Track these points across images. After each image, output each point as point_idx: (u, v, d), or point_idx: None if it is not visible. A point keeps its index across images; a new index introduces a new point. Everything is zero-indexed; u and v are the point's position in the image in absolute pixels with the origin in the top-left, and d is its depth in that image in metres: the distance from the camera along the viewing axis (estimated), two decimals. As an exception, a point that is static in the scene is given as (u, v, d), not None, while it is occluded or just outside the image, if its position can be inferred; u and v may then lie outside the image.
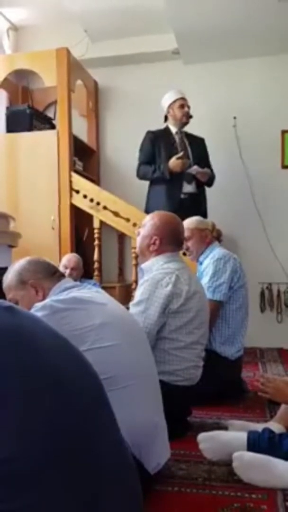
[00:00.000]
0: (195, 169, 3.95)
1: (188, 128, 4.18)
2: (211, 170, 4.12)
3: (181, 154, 3.93)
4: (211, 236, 3.04)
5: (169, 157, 3.98)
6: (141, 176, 4.13)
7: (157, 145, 4.09)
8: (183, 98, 4.11)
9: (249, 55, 4.60)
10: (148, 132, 4.16)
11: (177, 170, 3.88)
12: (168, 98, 4.13)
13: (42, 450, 0.86)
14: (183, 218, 2.57)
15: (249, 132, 4.64)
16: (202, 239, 2.97)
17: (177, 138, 4.13)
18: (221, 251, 2.94)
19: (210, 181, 4.10)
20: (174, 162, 3.89)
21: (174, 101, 4.10)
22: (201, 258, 2.99)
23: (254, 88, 4.68)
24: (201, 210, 3.82)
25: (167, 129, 4.17)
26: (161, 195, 3.98)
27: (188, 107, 4.11)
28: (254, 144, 4.64)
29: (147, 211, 3.94)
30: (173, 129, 4.15)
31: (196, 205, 3.91)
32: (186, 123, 4.12)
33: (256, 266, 4.35)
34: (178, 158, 3.89)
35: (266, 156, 4.64)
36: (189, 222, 2.86)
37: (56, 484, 0.86)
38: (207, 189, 4.19)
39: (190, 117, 4.11)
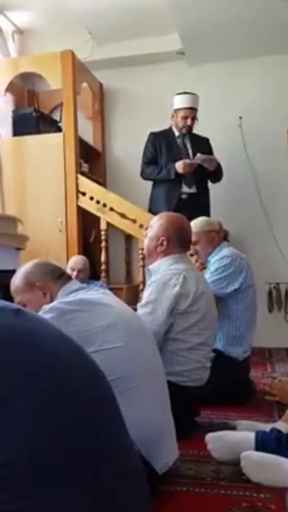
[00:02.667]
0: (199, 157, 3.95)
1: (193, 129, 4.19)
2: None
3: (188, 161, 3.93)
4: (219, 237, 3.02)
5: (170, 159, 4.00)
6: (145, 176, 4.17)
7: (158, 146, 4.13)
8: (190, 109, 4.07)
9: (254, 55, 4.59)
10: (151, 134, 4.20)
11: (185, 171, 3.90)
12: (176, 102, 4.11)
13: (47, 452, 0.87)
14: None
15: (255, 132, 4.64)
16: (209, 241, 2.95)
17: (179, 140, 4.15)
18: (229, 250, 2.94)
19: (219, 173, 4.10)
20: (180, 166, 3.90)
21: (180, 108, 4.09)
22: (209, 258, 2.98)
23: (260, 88, 4.67)
24: (202, 209, 3.82)
25: (170, 131, 4.18)
26: (162, 195, 4.02)
27: (193, 119, 4.09)
28: (260, 144, 4.64)
29: (150, 211, 3.97)
30: (176, 132, 4.16)
31: (197, 204, 3.92)
32: (185, 134, 4.13)
33: (264, 266, 4.34)
34: (185, 166, 3.90)
35: (272, 155, 4.63)
36: (194, 226, 2.84)
37: (61, 485, 0.87)
38: (213, 188, 4.20)
39: (190, 130, 4.11)
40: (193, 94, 4.09)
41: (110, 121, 5.06)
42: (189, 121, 4.09)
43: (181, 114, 4.09)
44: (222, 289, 2.78)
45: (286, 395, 2.01)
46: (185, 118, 4.08)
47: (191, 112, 4.08)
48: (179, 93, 4.11)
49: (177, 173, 3.93)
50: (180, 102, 4.09)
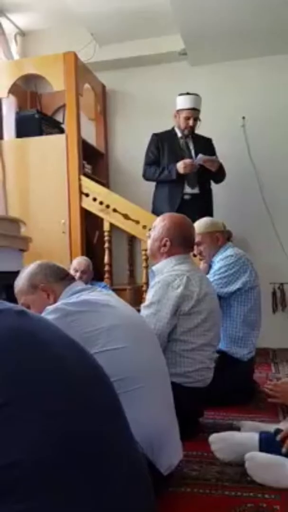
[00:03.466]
0: (200, 158, 3.94)
1: (196, 129, 4.18)
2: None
3: (188, 161, 3.93)
4: (223, 237, 3.00)
5: (173, 160, 4.00)
6: (147, 177, 4.17)
7: (161, 147, 4.13)
8: (192, 110, 4.06)
9: (257, 55, 4.59)
10: (153, 135, 4.19)
11: (186, 171, 3.90)
12: (179, 102, 4.10)
13: (52, 454, 0.87)
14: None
15: (258, 132, 4.63)
16: (213, 242, 2.95)
17: (181, 141, 4.15)
18: (234, 250, 2.93)
19: (221, 173, 4.10)
20: (181, 166, 3.90)
21: (182, 109, 4.09)
22: (213, 258, 2.98)
23: (262, 88, 4.67)
24: (205, 210, 3.82)
25: (172, 131, 4.18)
26: (164, 196, 4.02)
27: (195, 119, 4.08)
28: (263, 143, 4.63)
29: (153, 212, 3.98)
30: (179, 133, 4.16)
31: (200, 205, 3.92)
32: (188, 135, 4.12)
33: (267, 267, 4.33)
34: (185, 165, 3.90)
35: (275, 155, 4.63)
36: (198, 227, 2.83)
37: (66, 488, 0.87)
38: (216, 189, 4.19)
39: (193, 131, 4.11)
40: (196, 95, 4.08)
41: (113, 122, 5.06)
42: (191, 122, 4.08)
43: (183, 115, 4.08)
44: (223, 288, 2.77)
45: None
46: (187, 119, 4.08)
47: (194, 113, 4.08)
48: (182, 94, 4.10)
49: (178, 174, 3.93)
50: (182, 103, 4.09)
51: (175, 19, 4.03)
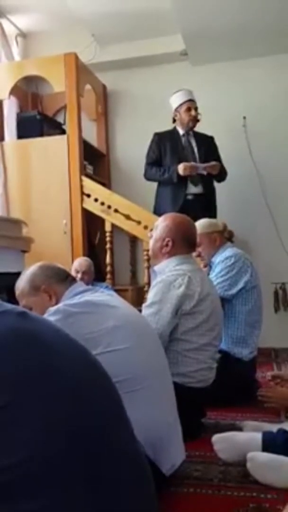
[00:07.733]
0: (201, 167, 3.94)
1: (197, 128, 4.18)
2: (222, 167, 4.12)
3: (189, 164, 3.92)
4: (221, 238, 3.01)
5: (175, 159, 3.99)
6: (148, 177, 4.16)
7: (163, 147, 4.12)
8: (190, 101, 4.08)
9: (257, 55, 4.59)
10: (155, 134, 4.18)
11: (185, 173, 3.89)
12: (175, 100, 4.11)
13: (56, 454, 0.87)
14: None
15: (259, 131, 4.63)
16: (211, 243, 2.95)
17: (183, 140, 4.14)
18: (233, 250, 2.93)
19: (223, 174, 4.10)
20: (181, 168, 3.89)
21: (181, 104, 4.09)
22: (213, 259, 2.98)
23: (263, 88, 4.67)
24: (209, 210, 3.82)
25: (174, 131, 4.18)
26: (167, 196, 4.01)
27: (196, 109, 4.10)
28: (264, 143, 4.63)
29: (155, 212, 3.97)
30: (181, 131, 4.15)
31: (203, 205, 3.91)
32: (193, 127, 4.12)
33: (269, 266, 4.33)
34: (186, 168, 3.88)
35: (276, 155, 4.63)
36: (197, 228, 2.84)
37: (69, 487, 0.87)
38: (217, 189, 4.19)
39: (197, 120, 4.11)
40: (187, 89, 4.10)
41: (114, 122, 5.07)
42: (193, 112, 4.07)
43: (184, 108, 4.08)
44: (227, 291, 2.77)
45: (281, 400, 2.01)
46: (189, 110, 4.07)
47: (193, 103, 4.09)
48: (175, 92, 4.12)
49: (179, 176, 3.91)
50: (178, 98, 4.10)
51: (176, 19, 4.03)
